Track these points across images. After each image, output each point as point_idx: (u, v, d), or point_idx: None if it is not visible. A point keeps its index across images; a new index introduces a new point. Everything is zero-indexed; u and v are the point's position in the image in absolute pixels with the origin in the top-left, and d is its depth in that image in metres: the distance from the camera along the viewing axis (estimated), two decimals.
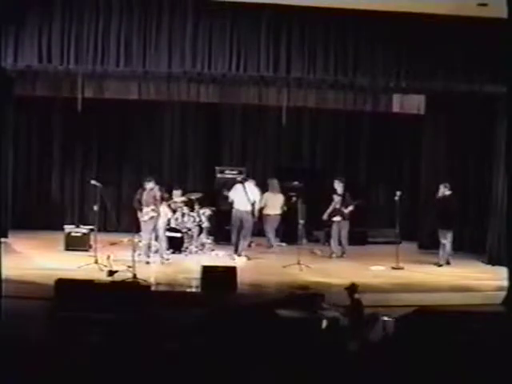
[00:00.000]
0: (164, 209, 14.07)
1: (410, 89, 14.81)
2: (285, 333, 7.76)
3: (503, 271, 11.91)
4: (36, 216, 16.82)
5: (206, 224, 15.09)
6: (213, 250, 15.00)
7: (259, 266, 14.12)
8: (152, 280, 12.12)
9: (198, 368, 6.52)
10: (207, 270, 11.68)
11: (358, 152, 18.09)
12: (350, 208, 14.85)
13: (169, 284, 12.05)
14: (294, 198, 15.36)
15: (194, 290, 11.79)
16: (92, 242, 13.80)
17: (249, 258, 14.48)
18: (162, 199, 13.88)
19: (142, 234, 13.67)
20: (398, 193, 14.22)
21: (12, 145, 15.85)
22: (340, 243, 14.99)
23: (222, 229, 16.04)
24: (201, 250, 14.94)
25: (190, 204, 15.03)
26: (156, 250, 13.82)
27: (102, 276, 11.52)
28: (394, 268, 13.86)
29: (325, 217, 14.99)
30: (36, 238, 15.54)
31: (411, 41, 13.21)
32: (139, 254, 13.40)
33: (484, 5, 12.26)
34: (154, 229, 13.54)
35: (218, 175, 16.69)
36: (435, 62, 13.28)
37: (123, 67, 12.97)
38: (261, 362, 6.66)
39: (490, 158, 15.05)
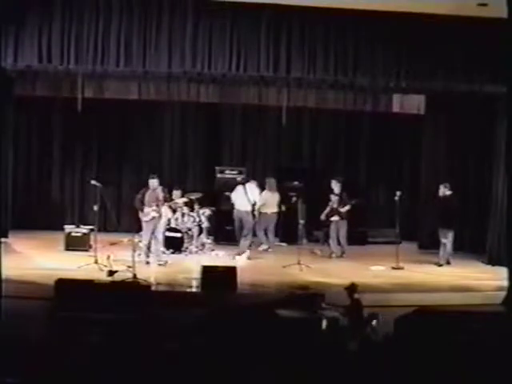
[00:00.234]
0: (164, 209, 14.08)
1: (409, 89, 14.81)
2: (285, 333, 7.76)
3: (503, 271, 11.92)
4: (36, 216, 16.81)
5: (205, 224, 15.09)
6: (213, 250, 15.00)
7: (259, 266, 14.13)
8: (152, 280, 12.12)
9: (197, 368, 6.52)
10: (207, 270, 11.68)
11: (358, 152, 18.08)
12: (347, 207, 14.84)
13: (169, 284, 12.05)
14: (294, 198, 15.36)
15: (194, 289, 11.80)
16: (92, 242, 13.79)
17: (249, 258, 14.49)
18: (165, 200, 13.90)
19: (142, 233, 13.67)
20: (398, 193, 14.22)
21: (12, 145, 15.85)
22: (339, 243, 14.99)
23: (222, 229, 16.07)
24: (201, 250, 14.95)
25: (189, 204, 15.04)
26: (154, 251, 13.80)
27: (102, 276, 11.52)
28: (393, 268, 13.86)
29: (323, 217, 15.00)
30: (36, 238, 15.54)
31: (411, 41, 13.21)
32: (139, 254, 13.39)
33: (484, 5, 12.26)
34: (154, 230, 13.52)
35: (218, 175, 16.68)
36: (435, 62, 13.28)
37: (123, 67, 12.97)
38: (261, 362, 6.66)
39: (490, 158, 15.05)
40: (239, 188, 14.96)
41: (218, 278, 11.47)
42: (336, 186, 14.96)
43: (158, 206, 13.36)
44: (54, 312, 9.33)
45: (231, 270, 11.64)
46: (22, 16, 12.56)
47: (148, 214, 13.31)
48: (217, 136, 17.78)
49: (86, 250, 13.96)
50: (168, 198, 14.24)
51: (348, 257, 14.87)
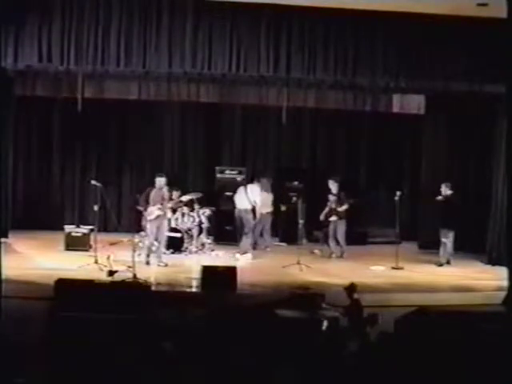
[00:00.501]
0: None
1: (409, 89, 14.80)
2: (285, 333, 7.76)
3: (503, 271, 11.92)
4: (36, 216, 16.81)
5: (205, 224, 15.09)
6: (213, 250, 15.00)
7: (259, 266, 14.13)
8: (152, 280, 12.12)
9: (197, 368, 6.52)
10: (207, 270, 11.68)
11: (358, 152, 18.09)
12: (344, 207, 14.83)
13: (169, 284, 12.04)
14: (294, 198, 15.36)
15: (194, 289, 11.80)
16: (92, 242, 13.79)
17: (252, 257, 14.50)
18: (170, 199, 13.92)
19: (146, 233, 13.67)
20: (398, 193, 14.23)
21: (12, 145, 15.86)
22: (338, 243, 14.97)
23: (222, 229, 16.08)
24: (201, 250, 14.95)
25: (189, 204, 15.04)
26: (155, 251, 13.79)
27: (102, 276, 11.51)
28: (393, 268, 13.86)
29: (322, 217, 15.00)
30: (36, 238, 15.53)
31: (411, 41, 13.21)
32: (139, 254, 13.39)
33: (484, 5, 12.25)
34: (158, 229, 13.51)
35: (218, 175, 16.69)
36: (435, 62, 13.28)
37: (123, 67, 12.97)
38: (261, 362, 6.66)
39: (490, 158, 15.06)
40: (241, 188, 15.00)
41: (218, 278, 11.47)
42: (333, 186, 14.96)
43: (162, 204, 13.38)
44: (54, 312, 9.32)
45: (231, 270, 11.64)
46: (22, 16, 12.55)
47: (152, 212, 13.30)
48: (217, 136, 17.78)
49: (86, 250, 13.96)
50: (172, 197, 14.26)
51: (348, 257, 14.87)
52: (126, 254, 12.90)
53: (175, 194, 14.90)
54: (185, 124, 17.74)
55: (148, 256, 13.40)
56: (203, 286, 11.52)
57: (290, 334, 7.73)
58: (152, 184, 13.81)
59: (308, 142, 18.02)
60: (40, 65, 12.94)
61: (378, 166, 17.93)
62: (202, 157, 17.72)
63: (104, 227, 14.99)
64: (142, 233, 14.51)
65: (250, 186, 14.96)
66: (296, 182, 16.78)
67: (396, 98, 17.14)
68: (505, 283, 11.66)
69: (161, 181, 13.47)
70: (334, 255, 14.99)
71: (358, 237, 16.37)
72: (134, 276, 11.62)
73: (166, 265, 13.44)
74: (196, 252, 14.79)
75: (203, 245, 15.04)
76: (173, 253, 14.45)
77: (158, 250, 13.52)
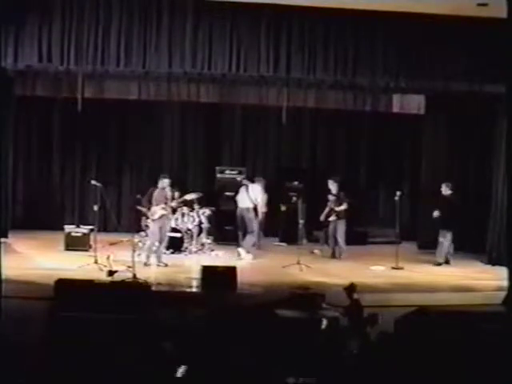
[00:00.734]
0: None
1: (409, 89, 14.81)
2: (285, 333, 7.76)
3: (503, 271, 11.92)
4: (36, 216, 16.81)
5: (205, 224, 15.10)
6: (213, 250, 15.00)
7: (259, 266, 14.13)
8: (152, 280, 12.12)
9: (197, 368, 6.52)
10: (207, 270, 11.69)
11: (358, 152, 18.09)
12: (343, 207, 14.81)
13: (169, 284, 12.04)
14: (294, 198, 15.37)
15: (194, 289, 11.80)
16: (92, 242, 13.79)
17: (253, 257, 14.52)
18: (173, 199, 13.92)
19: (148, 233, 13.67)
20: (398, 193, 14.23)
21: (12, 145, 15.86)
22: (337, 243, 14.96)
23: (222, 229, 16.09)
24: (201, 250, 14.95)
25: (189, 204, 15.04)
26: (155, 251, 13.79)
27: (102, 276, 11.51)
28: (393, 268, 13.86)
29: (322, 218, 14.99)
30: (36, 237, 15.54)
31: (411, 41, 13.21)
32: (139, 254, 13.39)
33: (484, 5, 12.25)
34: (160, 229, 13.50)
35: (218, 175, 16.69)
36: (435, 62, 13.28)
37: (123, 67, 12.97)
38: (261, 362, 6.66)
39: (490, 158, 15.06)
40: (242, 188, 15.04)
41: (218, 278, 11.48)
42: (333, 186, 14.95)
43: (166, 204, 13.38)
44: (54, 312, 9.32)
45: (231, 270, 11.64)
46: (22, 16, 12.55)
47: (156, 212, 13.30)
48: (217, 136, 17.79)
49: (86, 250, 13.96)
50: (174, 197, 14.27)
51: (348, 257, 14.85)
52: (125, 253, 12.90)
53: (176, 194, 14.91)
54: (185, 124, 17.74)
55: (148, 257, 13.38)
56: (203, 286, 11.52)
57: (290, 334, 7.73)
58: (152, 184, 13.81)
59: (308, 141, 18.02)
60: (40, 65, 12.94)
61: (377, 166, 17.94)
62: (202, 157, 17.73)
63: (104, 227, 15.00)
64: (142, 233, 14.52)
65: (251, 185, 14.97)
66: (296, 182, 16.78)
67: (396, 98, 17.14)
68: (505, 283, 11.66)
69: (164, 182, 13.48)
70: (334, 255, 14.97)
71: (358, 237, 16.37)
72: (134, 276, 11.62)
73: (166, 265, 13.43)
74: (196, 252, 14.79)
75: (203, 245, 15.05)
76: (173, 253, 14.45)
77: (158, 250, 13.52)
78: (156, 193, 13.43)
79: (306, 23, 13.12)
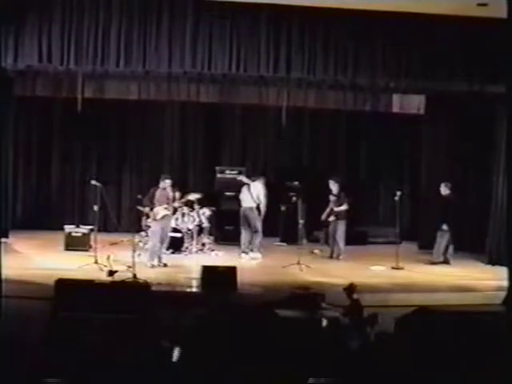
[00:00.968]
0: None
1: (410, 89, 14.82)
2: (285, 333, 7.76)
3: (503, 271, 11.92)
4: (36, 216, 16.82)
5: (205, 224, 15.10)
6: (213, 250, 15.01)
7: (259, 266, 14.14)
8: (152, 280, 12.11)
9: (197, 368, 6.52)
10: (207, 270, 11.69)
11: (358, 152, 18.10)
12: (342, 208, 14.80)
13: (169, 284, 12.04)
14: (294, 198, 15.37)
15: (194, 289, 11.80)
16: (92, 242, 13.79)
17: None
18: (174, 199, 13.93)
19: (150, 234, 13.66)
20: (398, 193, 14.23)
21: (12, 145, 15.86)
22: (336, 243, 14.94)
23: (222, 229, 16.10)
24: (201, 250, 14.95)
25: (190, 204, 15.04)
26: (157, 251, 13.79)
27: (102, 276, 11.52)
28: (393, 268, 13.86)
29: (323, 217, 14.99)
30: (36, 237, 15.54)
31: (411, 41, 13.21)
32: (139, 254, 13.39)
33: (484, 5, 12.25)
34: (163, 230, 13.50)
35: (218, 175, 16.69)
36: (435, 61, 13.27)
37: (123, 67, 12.97)
38: (261, 362, 6.66)
39: (490, 158, 15.06)
40: (244, 187, 15.05)
41: (218, 278, 11.48)
42: (334, 186, 14.95)
43: (168, 204, 13.39)
44: (55, 312, 9.33)
45: (231, 270, 11.64)
46: (22, 16, 12.55)
47: (159, 212, 13.29)
48: (217, 136, 17.79)
49: (86, 250, 13.96)
50: (175, 197, 14.27)
51: (348, 257, 14.85)
52: (126, 254, 12.91)
53: (177, 194, 14.91)
54: (185, 124, 17.74)
55: (152, 259, 13.30)
56: (203, 286, 11.53)
57: (290, 334, 7.73)
58: (153, 184, 13.81)
59: (308, 141, 18.02)
60: (40, 65, 12.93)
61: (377, 166, 17.94)
62: (202, 157, 17.73)
63: (104, 227, 15.00)
64: (142, 233, 14.53)
65: (253, 184, 14.97)
66: (296, 182, 16.77)
67: (396, 98, 17.16)
68: (505, 283, 11.66)
69: (166, 182, 13.46)
70: (334, 255, 14.98)
71: (358, 237, 16.38)
72: (134, 276, 11.63)
73: (166, 265, 13.42)
74: (196, 252, 14.79)
75: (203, 245, 15.05)
76: (173, 253, 14.45)
77: (158, 250, 13.51)
78: (158, 193, 13.42)
79: (306, 23, 13.12)
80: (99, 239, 13.25)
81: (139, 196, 13.94)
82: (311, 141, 18.03)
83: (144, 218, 14.37)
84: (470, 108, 15.39)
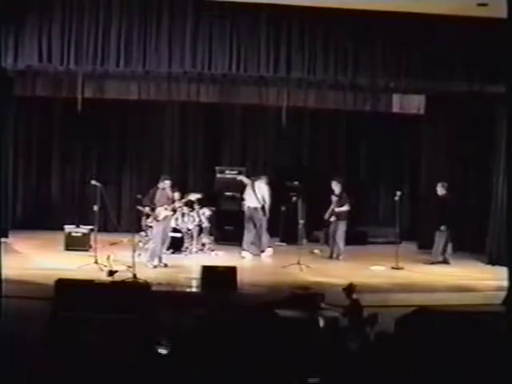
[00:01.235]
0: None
1: (410, 89, 14.82)
2: (285, 333, 7.76)
3: (503, 271, 11.92)
4: (36, 216, 16.82)
5: (205, 224, 15.10)
6: (213, 250, 15.01)
7: (259, 266, 14.14)
8: (152, 280, 12.10)
9: (197, 368, 6.52)
10: (207, 270, 11.69)
11: (358, 152, 18.10)
12: (343, 208, 14.79)
13: (169, 284, 12.04)
14: (294, 198, 15.37)
15: (194, 289, 11.80)
16: (92, 242, 13.79)
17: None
18: (174, 199, 13.93)
19: (151, 234, 13.65)
20: (398, 193, 14.23)
21: (12, 145, 15.86)
22: (336, 243, 14.94)
23: (222, 229, 16.10)
24: (201, 250, 14.95)
25: (190, 204, 15.04)
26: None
27: (102, 276, 11.52)
28: (393, 268, 13.86)
29: (326, 216, 14.98)
30: (36, 237, 15.54)
31: (411, 41, 13.21)
32: (139, 254, 13.39)
33: (484, 5, 12.25)
34: (164, 230, 13.49)
35: (218, 175, 16.69)
36: (435, 61, 13.27)
37: (123, 67, 12.97)
38: (261, 362, 6.66)
39: (490, 158, 15.06)
40: (248, 187, 15.05)
41: (218, 278, 11.48)
42: (337, 187, 14.94)
43: (169, 204, 13.39)
44: (55, 312, 9.33)
45: (231, 270, 11.65)
46: (22, 16, 12.55)
47: (160, 213, 13.28)
48: (217, 136, 17.79)
49: (86, 250, 13.96)
50: (176, 198, 14.27)
51: (348, 257, 14.85)
52: (126, 254, 12.91)
53: (176, 194, 14.91)
54: (185, 124, 17.74)
55: (152, 259, 13.29)
56: (203, 286, 11.53)
57: (290, 334, 7.73)
58: (153, 184, 13.82)
59: (308, 141, 18.02)
60: (40, 65, 12.94)
61: (377, 165, 17.94)
62: (202, 157, 17.73)
63: (104, 227, 14.99)
64: (142, 233, 14.52)
65: (257, 184, 14.98)
66: (296, 182, 16.77)
67: (396, 98, 17.16)
68: (505, 283, 11.66)
69: (166, 183, 13.46)
70: (334, 255, 14.98)
71: (358, 237, 16.38)
72: (134, 276, 11.63)
73: (166, 265, 13.42)
74: (196, 252, 14.80)
75: (203, 245, 15.05)
76: (173, 253, 14.45)
77: (159, 251, 13.51)
78: (158, 193, 13.42)
79: (306, 23, 13.12)
80: (99, 239, 13.25)
81: (139, 196, 13.93)
82: (311, 141, 18.03)
83: (144, 218, 14.38)
84: (470, 108, 15.39)
